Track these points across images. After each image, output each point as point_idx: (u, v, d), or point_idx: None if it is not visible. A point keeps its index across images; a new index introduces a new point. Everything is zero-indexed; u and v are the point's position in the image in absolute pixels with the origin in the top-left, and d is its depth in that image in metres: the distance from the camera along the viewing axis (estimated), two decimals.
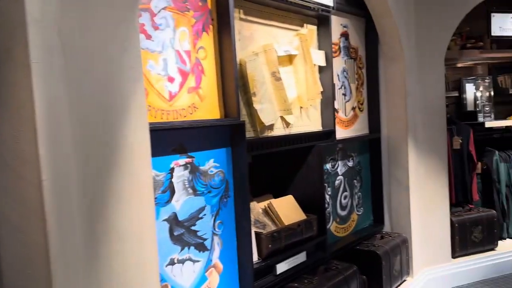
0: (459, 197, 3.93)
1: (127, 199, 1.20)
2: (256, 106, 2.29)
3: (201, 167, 2.00)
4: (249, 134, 2.29)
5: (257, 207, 2.57)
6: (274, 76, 2.42)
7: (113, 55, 1.18)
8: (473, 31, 3.92)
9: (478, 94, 4.28)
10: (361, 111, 3.32)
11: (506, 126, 4.17)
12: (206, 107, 2.05)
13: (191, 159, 1.96)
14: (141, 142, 1.26)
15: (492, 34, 3.72)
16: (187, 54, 1.98)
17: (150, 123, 1.35)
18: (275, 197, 2.71)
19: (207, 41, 2.07)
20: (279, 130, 2.51)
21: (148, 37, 1.79)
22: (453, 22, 3.35)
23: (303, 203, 2.75)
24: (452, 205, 3.75)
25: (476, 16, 3.85)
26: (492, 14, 3.66)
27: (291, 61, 2.60)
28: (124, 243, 1.19)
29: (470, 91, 4.38)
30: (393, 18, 3.07)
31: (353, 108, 3.22)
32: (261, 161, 2.86)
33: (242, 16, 2.28)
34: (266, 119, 2.33)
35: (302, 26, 2.70)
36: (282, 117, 2.52)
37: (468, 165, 3.92)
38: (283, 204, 2.64)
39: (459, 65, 4.41)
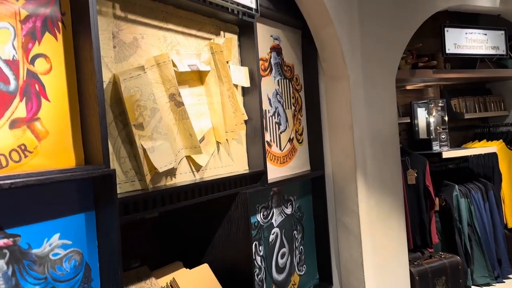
0: (417, 241, 3.37)
1: None
2: (145, 143, 1.55)
3: (34, 251, 1.21)
4: (132, 186, 1.54)
5: (155, 286, 1.80)
6: (173, 100, 1.70)
7: None
8: (424, 49, 3.46)
9: (431, 119, 3.81)
10: (300, 143, 2.68)
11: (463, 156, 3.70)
12: (50, 149, 1.28)
13: (12, 239, 1.17)
14: None
15: (447, 51, 3.26)
16: (12, 66, 1.22)
17: None
18: (187, 266, 1.96)
19: (53, 46, 1.32)
20: (184, 176, 1.77)
21: None
22: (405, 35, 2.83)
23: (224, 272, 2.01)
24: (409, 250, 3.16)
25: (427, 32, 3.40)
26: (446, 29, 3.21)
27: (201, 80, 1.90)
28: None
29: (422, 116, 3.91)
30: (335, 29, 2.48)
31: (290, 140, 2.56)
32: (168, 217, 2.11)
33: (119, 12, 1.55)
34: (160, 163, 1.59)
35: (218, 34, 2.02)
36: (188, 158, 1.79)
37: (425, 202, 3.39)
38: (193, 278, 1.88)
39: (409, 87, 3.94)
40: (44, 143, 1.28)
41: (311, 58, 2.73)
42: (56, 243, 1.26)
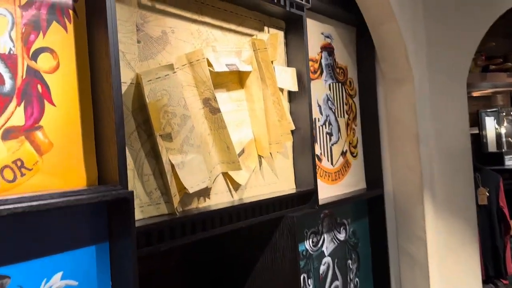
0: (489, 271, 2.90)
1: None
2: (173, 158, 1.28)
3: None
4: (157, 210, 1.26)
5: None
6: (207, 105, 1.42)
7: None
8: (495, 50, 3.01)
9: (502, 130, 3.33)
10: (355, 156, 2.33)
11: None
12: (54, 166, 1.03)
13: (3, 280, 0.92)
14: None
15: None
16: (8, 62, 0.98)
17: None
18: None
19: (62, 39, 1.08)
20: (220, 197, 1.48)
21: None
22: (476, 33, 2.43)
23: None
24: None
25: (498, 31, 2.95)
26: None
27: (241, 82, 1.62)
28: None
29: (491, 126, 3.44)
30: (398, 24, 2.13)
31: (343, 153, 2.22)
32: (200, 244, 1.82)
33: (145, 1, 1.30)
34: (190, 181, 1.31)
35: (261, 29, 1.73)
36: (225, 175, 1.51)
37: (499, 225, 2.92)
38: None
39: (475, 93, 3.48)
40: (47, 158, 1.03)
41: (367, 59, 2.38)
42: (57, 285, 1.00)
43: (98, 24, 1.10)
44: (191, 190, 1.30)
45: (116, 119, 1.07)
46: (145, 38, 1.28)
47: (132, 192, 1.08)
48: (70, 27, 1.10)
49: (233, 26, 1.60)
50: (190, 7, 1.44)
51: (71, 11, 1.10)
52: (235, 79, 1.59)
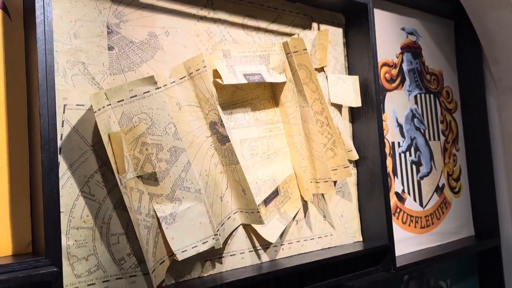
0: None
1: None
2: (159, 208, 0.90)
3: None
4: (133, 286, 0.88)
5: None
6: (215, 132, 1.01)
7: None
8: None
9: None
10: (457, 193, 1.71)
11: None
12: None
13: None
14: None
15: None
16: None
17: None
18: None
19: None
20: (237, 260, 1.05)
21: None
22: None
23: None
24: None
25: None
26: None
27: (274, 98, 1.18)
28: None
29: None
30: None
31: (439, 189, 1.63)
32: None
33: None
34: (180, 243, 0.90)
35: (307, 26, 1.29)
36: (248, 227, 1.07)
37: None
38: None
39: None
40: None
41: (471, 62, 1.76)
42: None
43: (28, 24, 0.78)
44: (180, 257, 0.89)
45: (43, 159, 0.73)
46: (121, 43, 0.93)
47: (58, 271, 0.71)
48: None
49: (263, 24, 1.19)
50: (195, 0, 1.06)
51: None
52: (265, 94, 1.16)
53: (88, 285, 0.83)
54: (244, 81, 1.05)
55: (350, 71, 1.36)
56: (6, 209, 0.76)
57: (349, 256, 1.21)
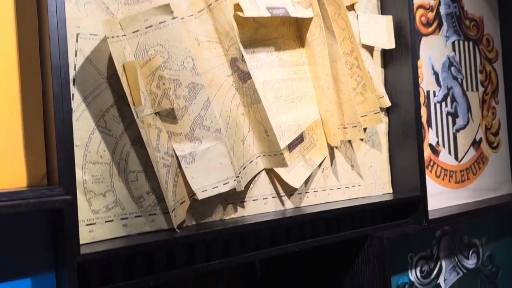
0: None
1: None
2: (178, 147, 0.86)
3: None
4: (151, 225, 0.85)
5: None
6: (236, 69, 0.95)
7: None
8: None
9: None
10: (495, 148, 1.61)
11: None
12: None
13: None
14: None
15: None
16: None
17: None
18: None
19: None
20: (260, 205, 1.01)
21: None
22: None
23: None
24: None
25: None
26: None
27: (300, 37, 1.10)
28: None
29: None
30: None
31: (476, 143, 1.53)
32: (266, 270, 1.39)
33: None
34: (201, 183, 0.87)
35: None
36: (271, 172, 1.02)
37: None
38: None
39: None
40: None
41: None
42: None
43: None
44: (200, 196, 0.86)
45: (54, 85, 0.69)
46: None
47: (73, 199, 0.68)
48: None
49: None
50: None
51: None
52: (290, 33, 1.09)
53: (106, 221, 0.81)
54: (267, 14, 0.98)
55: (383, 11, 1.26)
56: (20, 139, 0.74)
57: (379, 205, 1.15)
